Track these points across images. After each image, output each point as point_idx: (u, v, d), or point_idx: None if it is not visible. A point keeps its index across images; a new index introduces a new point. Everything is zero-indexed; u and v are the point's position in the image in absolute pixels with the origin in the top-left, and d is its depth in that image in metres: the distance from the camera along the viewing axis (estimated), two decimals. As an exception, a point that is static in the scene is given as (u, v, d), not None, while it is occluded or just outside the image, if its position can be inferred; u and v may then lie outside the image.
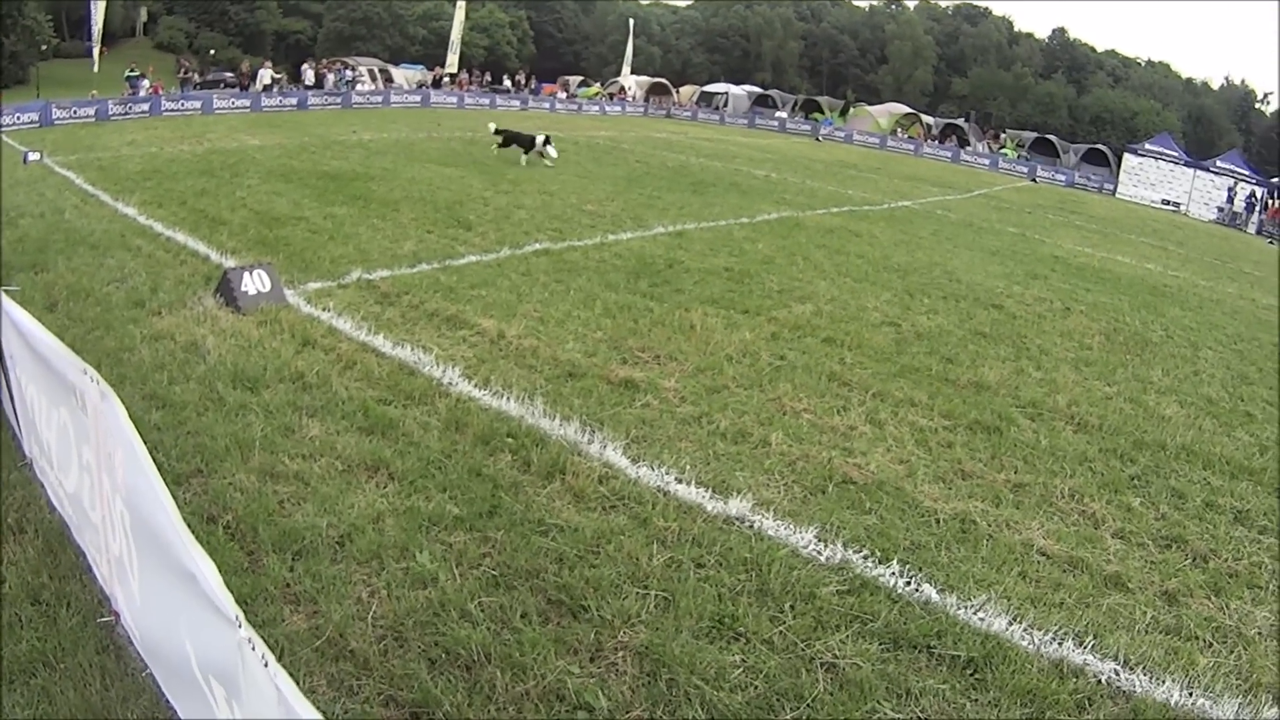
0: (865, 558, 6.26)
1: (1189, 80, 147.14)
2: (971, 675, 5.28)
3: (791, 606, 5.58)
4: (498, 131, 27.60)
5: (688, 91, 77.53)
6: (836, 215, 22.51)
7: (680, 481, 7.01)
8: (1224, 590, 7.00)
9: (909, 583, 6.04)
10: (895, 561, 6.25)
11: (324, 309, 10.35)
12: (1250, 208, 60.09)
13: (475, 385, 8.50)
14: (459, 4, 62.46)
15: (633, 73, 75.17)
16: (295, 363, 8.67)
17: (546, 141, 26.38)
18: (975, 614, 5.82)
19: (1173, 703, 5.46)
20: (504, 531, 6.06)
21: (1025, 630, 5.76)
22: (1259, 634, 6.53)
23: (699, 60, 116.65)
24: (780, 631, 5.33)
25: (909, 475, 7.74)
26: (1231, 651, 6.20)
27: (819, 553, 6.23)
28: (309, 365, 8.64)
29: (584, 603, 5.39)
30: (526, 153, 26.31)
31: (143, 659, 4.51)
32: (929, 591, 5.97)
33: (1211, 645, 6.23)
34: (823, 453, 7.89)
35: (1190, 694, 5.57)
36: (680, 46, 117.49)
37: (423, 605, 5.24)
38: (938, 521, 7.00)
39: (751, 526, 6.49)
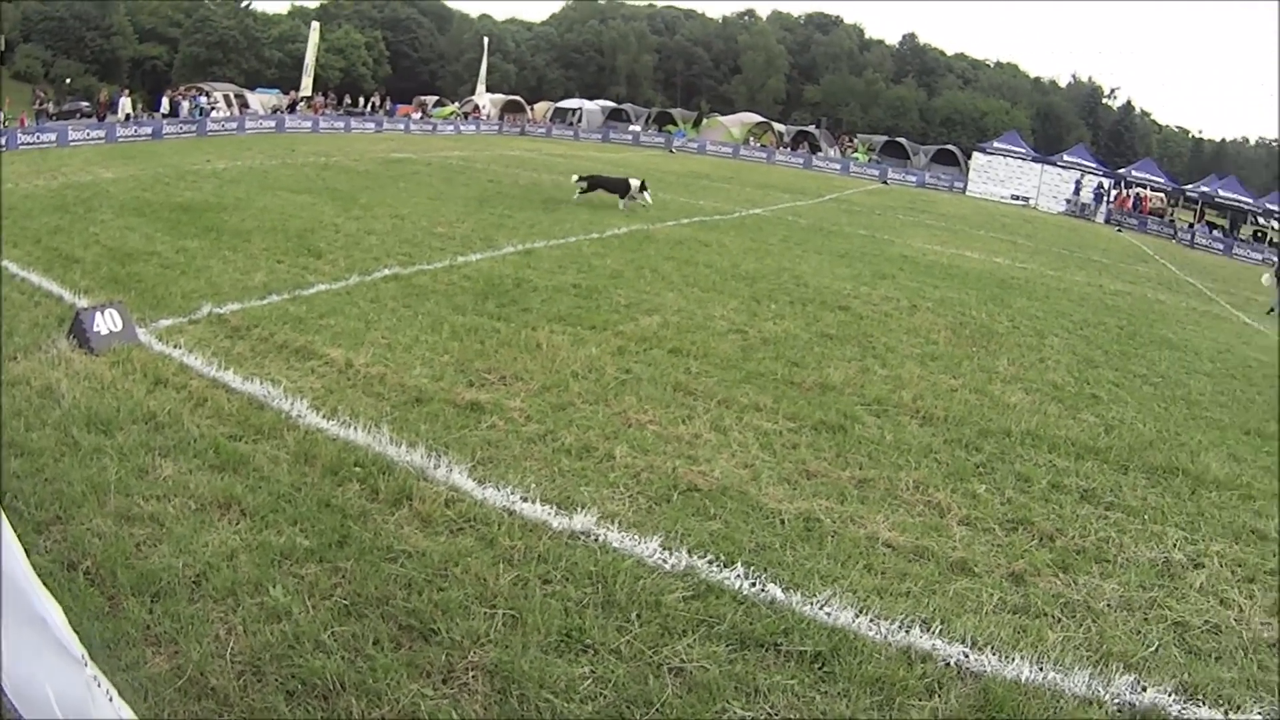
0: (710, 562, 6.31)
1: (1037, 79, 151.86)
2: (820, 668, 5.37)
3: (638, 615, 5.62)
4: (582, 179, 26.94)
5: (542, 108, 77.90)
6: (687, 226, 22.74)
7: (526, 500, 7.00)
8: (1072, 567, 7.24)
9: (754, 584, 6.12)
10: (740, 564, 6.32)
11: (175, 346, 10.14)
12: (1098, 198, 62.14)
13: (323, 416, 8.39)
14: (314, 25, 61.97)
15: (488, 91, 75.18)
16: (147, 403, 8.47)
17: (643, 187, 26.06)
18: (821, 609, 5.92)
19: (1023, 679, 5.60)
20: (354, 561, 6.01)
21: (872, 621, 5.88)
22: (1109, 606, 6.76)
23: (554, 76, 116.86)
24: (627, 640, 5.36)
25: (753, 479, 7.83)
26: (1081, 625, 6.41)
27: (664, 561, 6.28)
28: (161, 405, 8.45)
29: (434, 626, 5.37)
30: (622, 197, 25.87)
31: (16, 709, 4.46)
32: (774, 591, 6.05)
33: (1060, 620, 6.43)
34: (667, 462, 7.95)
35: (1040, 669, 5.73)
36: (535, 63, 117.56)
37: (278, 639, 5.18)
38: (782, 522, 7.10)
39: (597, 540, 6.52)
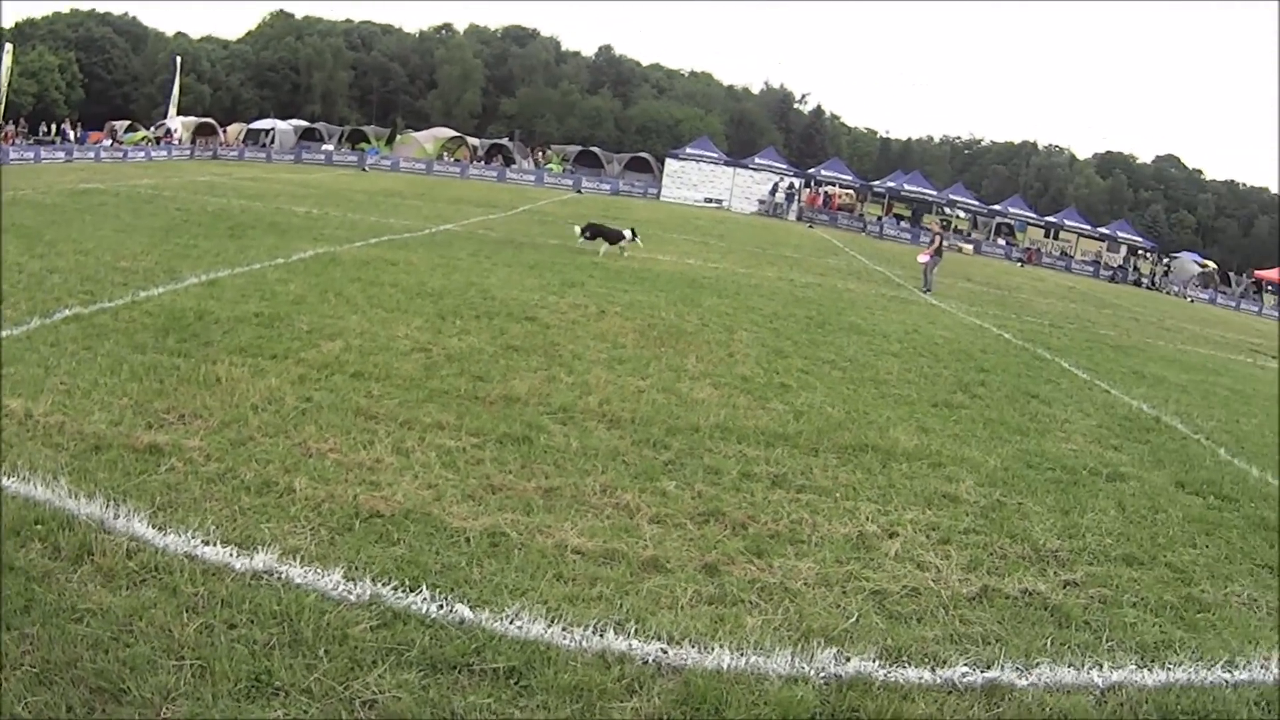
0: (395, 589, 6.24)
1: (730, 87, 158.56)
2: (515, 683, 5.38)
3: (326, 651, 5.52)
4: (586, 228, 27.47)
5: (235, 130, 76.15)
6: (375, 246, 22.25)
7: (207, 543, 6.75)
8: (766, 551, 7.55)
9: (441, 606, 6.08)
10: (426, 587, 6.28)
11: None
12: (790, 197, 65.13)
13: (4, 474, 7.91)
14: (6, 48, 58.81)
15: (180, 113, 73.21)
16: None
17: (634, 236, 27.04)
18: (512, 624, 5.94)
19: (724, 667, 5.77)
20: (40, 625, 5.70)
21: (565, 629, 5.95)
22: (805, 584, 7.10)
23: (249, 96, 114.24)
24: (317, 678, 5.27)
25: (437, 499, 7.76)
26: (778, 607, 6.69)
27: (349, 592, 6.17)
28: None
29: (124, 685, 5.18)
30: (612, 243, 26.56)
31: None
32: (462, 610, 6.03)
33: (758, 605, 6.70)
34: (349, 490, 7.78)
35: (741, 655, 5.92)
36: (230, 83, 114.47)
37: (-27, 719, 4.94)
38: (468, 540, 7.07)
39: (280, 578, 6.35)
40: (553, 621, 6.03)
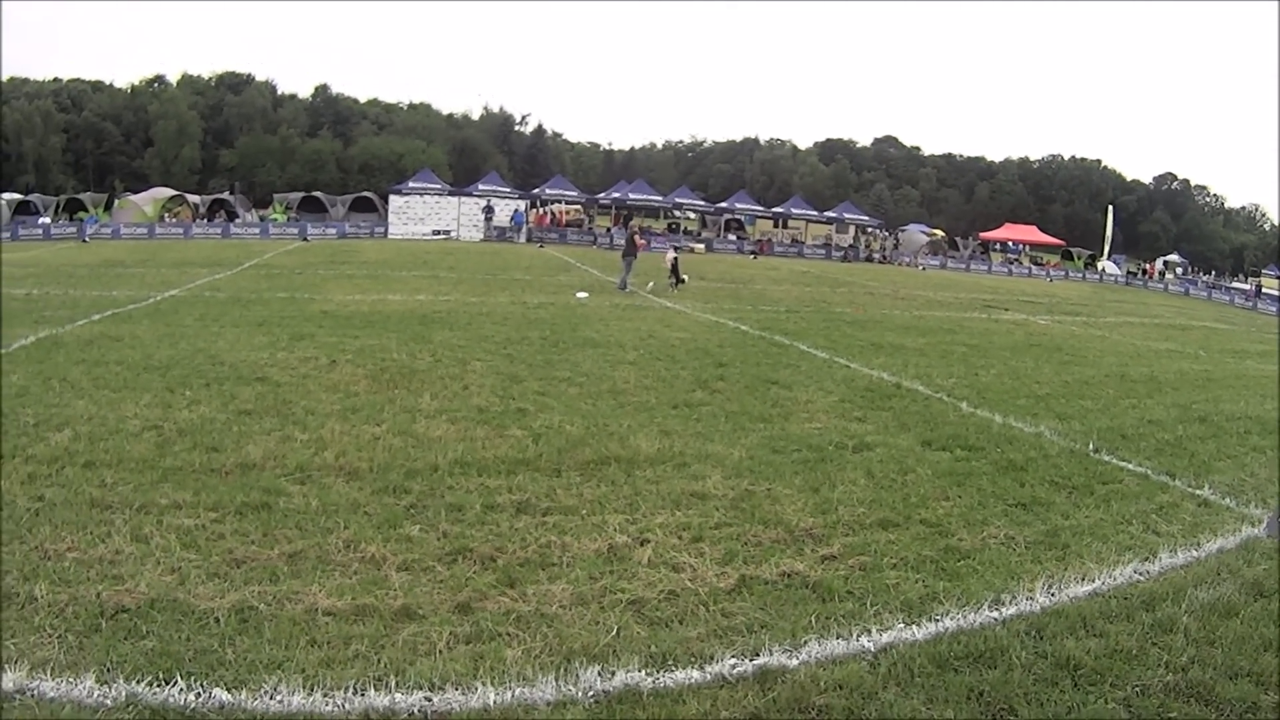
0: (150, 684, 5.95)
1: (450, 115, 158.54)
2: None
3: (90, 766, 5.15)
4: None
5: (-65, 210, 71.85)
6: (98, 323, 20.79)
7: (-56, 678, 6.31)
8: (518, 580, 7.63)
9: (199, 694, 5.84)
10: (181, 676, 6.02)
11: None
12: (517, 220, 65.89)
13: None
14: None
15: None
16: None
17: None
18: (272, 699, 5.82)
19: (490, 704, 5.84)
20: None
21: (325, 694, 5.89)
22: (561, 607, 7.22)
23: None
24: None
25: (181, 583, 7.42)
26: (536, 634, 6.79)
27: (105, 697, 5.83)
28: None
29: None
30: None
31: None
32: (220, 695, 5.83)
33: (516, 636, 6.78)
34: (91, 589, 7.29)
35: (505, 689, 6.00)
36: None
37: None
38: (217, 620, 6.82)
39: (33, 694, 5.91)
40: (311, 689, 5.94)
